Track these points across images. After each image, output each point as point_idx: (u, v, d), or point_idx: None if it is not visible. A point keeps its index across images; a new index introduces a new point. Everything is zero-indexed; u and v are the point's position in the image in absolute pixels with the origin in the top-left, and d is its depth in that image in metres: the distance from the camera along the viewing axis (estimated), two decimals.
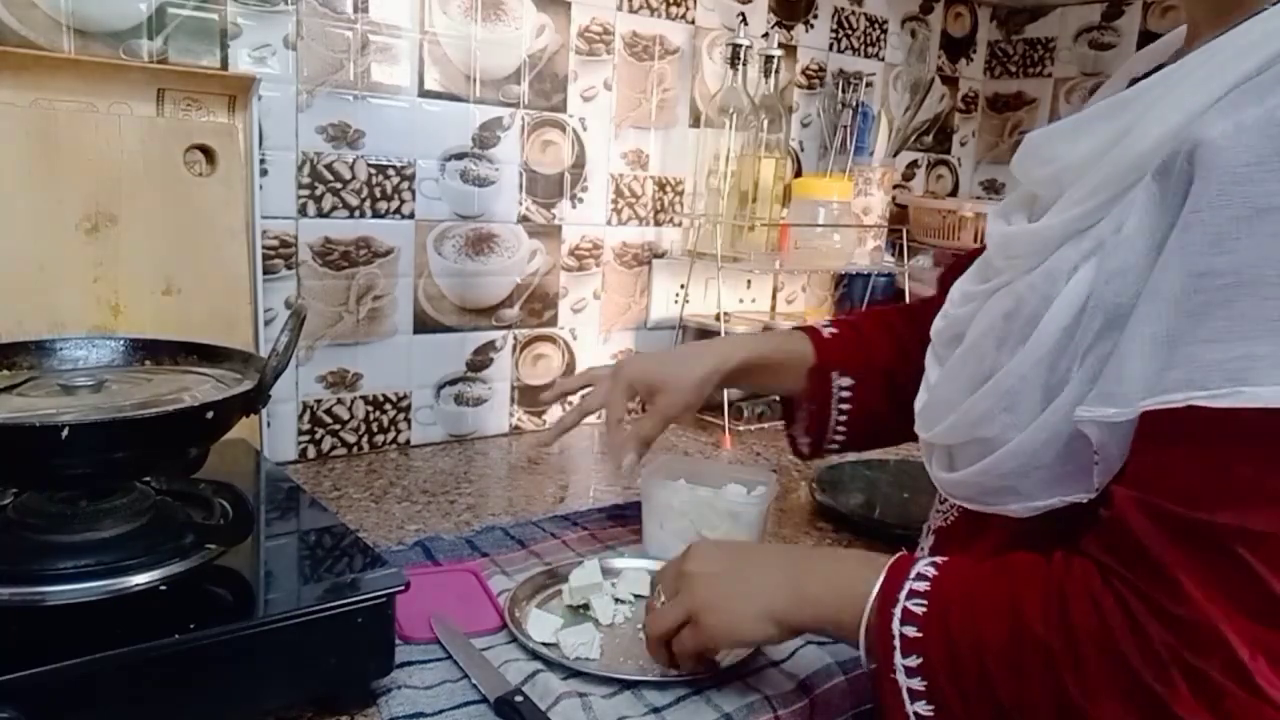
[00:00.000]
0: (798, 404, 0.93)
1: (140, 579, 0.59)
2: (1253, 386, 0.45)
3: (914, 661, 0.53)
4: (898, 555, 0.59)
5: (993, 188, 1.86)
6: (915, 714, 0.53)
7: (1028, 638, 0.51)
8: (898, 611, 0.55)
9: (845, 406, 0.90)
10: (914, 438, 0.73)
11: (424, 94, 1.16)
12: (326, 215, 1.11)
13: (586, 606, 0.79)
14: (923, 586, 0.56)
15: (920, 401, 0.71)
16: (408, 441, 1.23)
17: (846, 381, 0.89)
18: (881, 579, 0.57)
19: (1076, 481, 0.55)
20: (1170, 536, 0.47)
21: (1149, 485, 0.49)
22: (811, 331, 0.92)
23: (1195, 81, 0.52)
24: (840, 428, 0.90)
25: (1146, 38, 1.61)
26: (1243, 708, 0.45)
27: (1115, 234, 0.53)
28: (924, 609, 0.54)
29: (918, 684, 0.53)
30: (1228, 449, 0.46)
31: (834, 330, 0.92)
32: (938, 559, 0.58)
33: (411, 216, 1.17)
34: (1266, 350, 0.45)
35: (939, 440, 0.66)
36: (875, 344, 0.91)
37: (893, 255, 1.58)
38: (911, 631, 0.54)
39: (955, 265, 0.78)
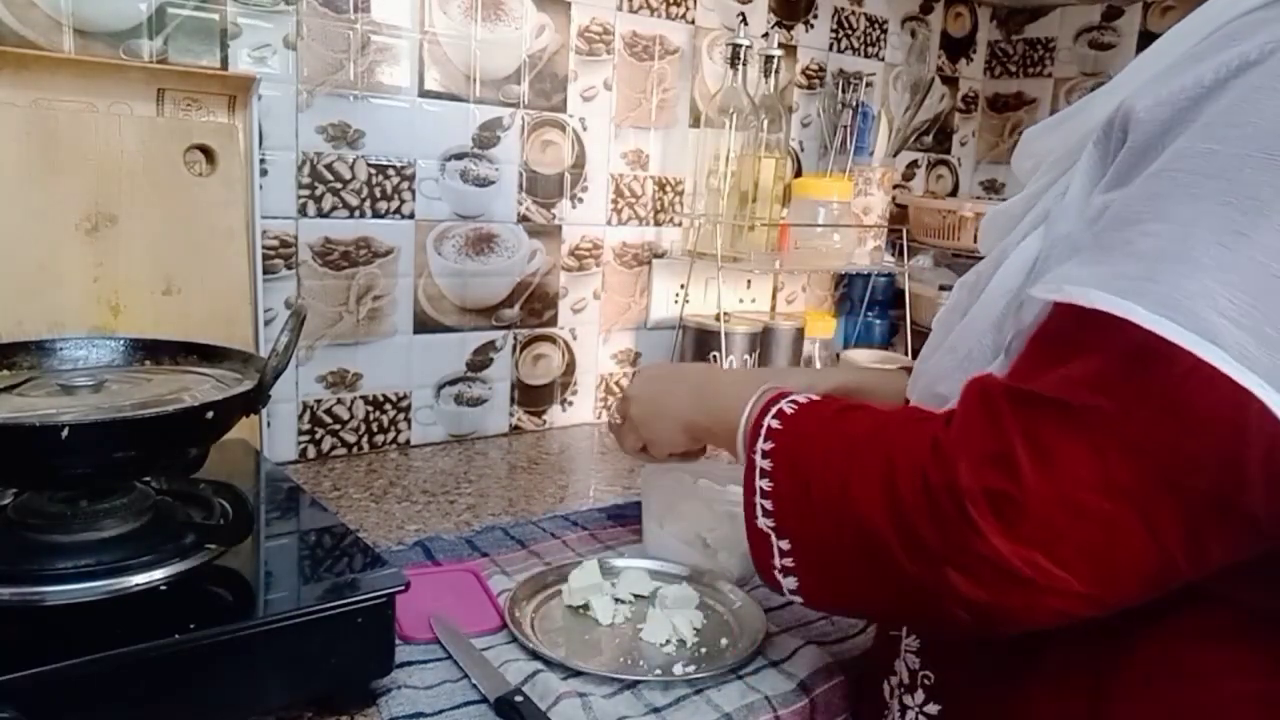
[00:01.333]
0: None
1: (140, 579, 0.59)
2: (1078, 286, 0.49)
3: (768, 445, 0.62)
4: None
5: (993, 188, 1.86)
6: (760, 488, 0.61)
7: (846, 435, 0.58)
8: (773, 409, 0.64)
9: None
10: None
11: (424, 94, 1.16)
12: (326, 215, 1.11)
13: (586, 606, 0.79)
14: (803, 400, 0.64)
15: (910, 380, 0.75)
16: (408, 441, 1.23)
17: None
18: (771, 390, 0.67)
19: None
20: (977, 392, 0.53)
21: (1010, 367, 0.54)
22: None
23: (1145, 61, 0.56)
24: None
25: (1146, 38, 1.61)
26: (957, 530, 0.50)
27: (1060, 199, 0.57)
28: (794, 409, 0.63)
29: (766, 464, 0.61)
30: (1058, 335, 0.51)
31: None
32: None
33: (411, 216, 1.17)
34: (1125, 270, 0.48)
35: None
36: None
37: (893, 255, 1.57)
38: (775, 424, 0.63)
39: None
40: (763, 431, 0.63)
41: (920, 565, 0.52)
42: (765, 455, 0.61)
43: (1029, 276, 0.57)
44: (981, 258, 0.68)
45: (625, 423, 0.84)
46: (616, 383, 1.42)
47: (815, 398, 0.65)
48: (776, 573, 0.61)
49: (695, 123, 1.41)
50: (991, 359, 0.58)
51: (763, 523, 0.61)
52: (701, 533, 0.89)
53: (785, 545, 0.59)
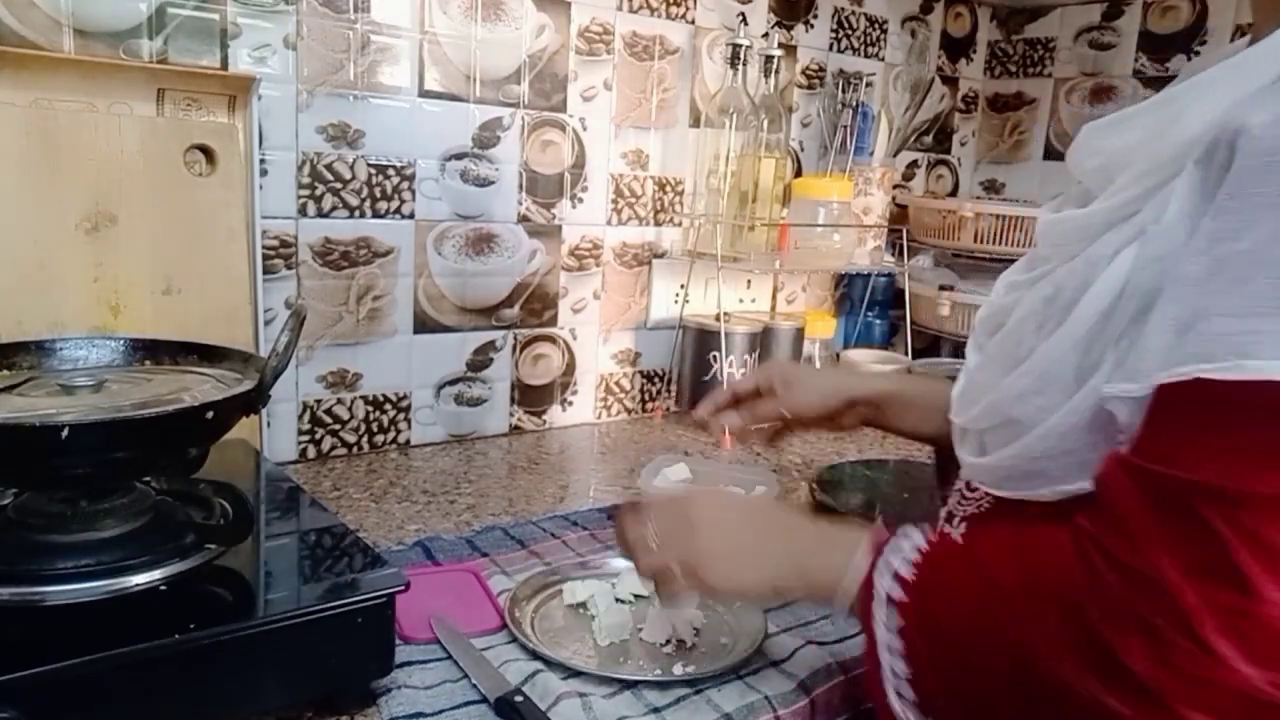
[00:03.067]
0: (941, 453, 0.89)
1: (140, 579, 0.60)
2: (1254, 360, 0.45)
3: (898, 623, 0.55)
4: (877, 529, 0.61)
5: (993, 188, 1.86)
6: (892, 671, 0.55)
7: (994, 589, 0.52)
8: (885, 567, 0.57)
9: None
10: None
11: (424, 94, 1.16)
12: (326, 215, 1.11)
13: (586, 606, 0.79)
14: (913, 556, 0.58)
15: (957, 387, 0.71)
16: (408, 441, 1.23)
17: None
18: (869, 544, 0.60)
19: None
20: (1139, 491, 0.48)
21: (1139, 448, 0.50)
22: None
23: (1243, 73, 0.53)
24: None
25: (1146, 38, 1.61)
26: (1193, 662, 0.45)
27: (1156, 222, 0.54)
28: (913, 571, 0.56)
29: (897, 642, 0.55)
30: (1224, 417, 0.47)
31: None
32: (931, 536, 0.59)
33: (411, 216, 1.17)
34: (1272, 327, 0.45)
35: (972, 425, 0.67)
36: None
37: (893, 255, 1.58)
38: (899, 594, 0.56)
39: None
40: (882, 601, 0.56)
41: (1142, 712, 0.46)
42: (896, 633, 0.55)
43: (1119, 299, 0.54)
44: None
45: (676, 550, 0.66)
46: (616, 383, 1.42)
47: (925, 546, 0.58)
48: None
49: (695, 123, 1.41)
50: (1074, 384, 0.56)
51: (899, 707, 0.55)
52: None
53: None
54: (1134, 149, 0.58)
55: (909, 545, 0.58)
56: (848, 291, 1.70)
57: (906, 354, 1.56)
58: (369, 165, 1.13)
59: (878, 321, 1.72)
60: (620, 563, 0.87)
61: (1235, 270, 0.47)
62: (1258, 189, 0.47)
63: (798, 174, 1.55)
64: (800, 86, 1.55)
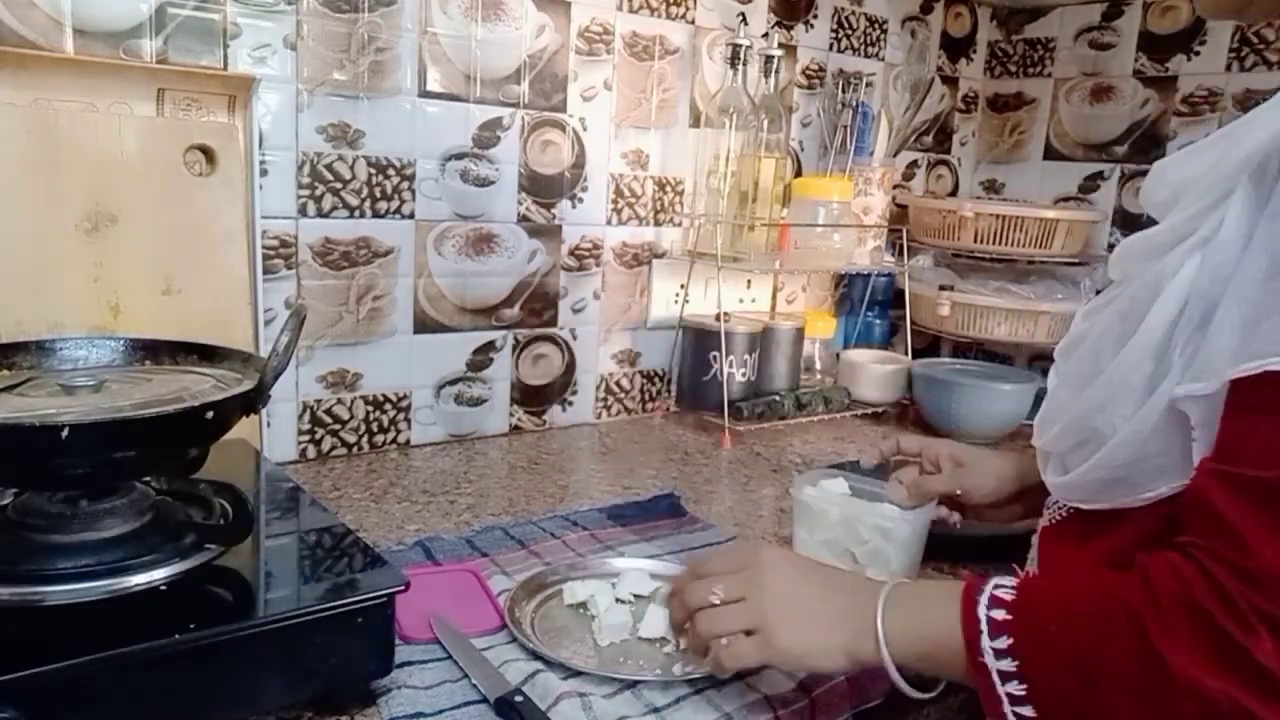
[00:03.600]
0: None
1: (140, 579, 0.60)
2: None
3: (1003, 643, 0.55)
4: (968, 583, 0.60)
5: (993, 188, 1.86)
6: (1009, 695, 0.55)
7: (1117, 607, 0.53)
8: (983, 599, 0.57)
9: None
10: None
11: (424, 94, 1.16)
12: (326, 215, 1.11)
13: (586, 606, 0.79)
14: (1010, 581, 0.58)
15: (1040, 414, 0.73)
16: (408, 441, 1.23)
17: None
18: (966, 584, 0.59)
19: (1184, 468, 0.57)
20: (1241, 497, 0.50)
21: (1227, 454, 0.53)
22: None
23: None
24: None
25: (1146, 38, 1.61)
26: None
27: (1215, 234, 0.57)
28: (1012, 596, 0.57)
29: (1008, 665, 0.55)
30: None
31: None
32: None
33: (411, 216, 1.17)
34: None
35: (1053, 446, 0.68)
36: None
37: (893, 255, 1.58)
38: (1000, 615, 0.56)
39: None
40: (983, 625, 0.56)
41: (1272, 706, 0.48)
42: (1001, 655, 0.55)
43: (1184, 307, 0.57)
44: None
45: (744, 616, 0.64)
46: (616, 383, 1.42)
47: (1019, 578, 0.59)
48: None
49: (695, 123, 1.41)
50: (1147, 391, 0.58)
51: None
52: (851, 547, 0.87)
53: None
54: (1199, 177, 0.60)
55: (1002, 580, 0.59)
56: (848, 291, 1.70)
57: (906, 354, 1.56)
58: (369, 165, 1.13)
59: (878, 321, 1.72)
60: (620, 562, 0.88)
61: None
62: None
63: (798, 174, 1.55)
64: (800, 86, 1.55)
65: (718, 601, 0.65)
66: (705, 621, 0.65)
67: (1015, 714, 0.55)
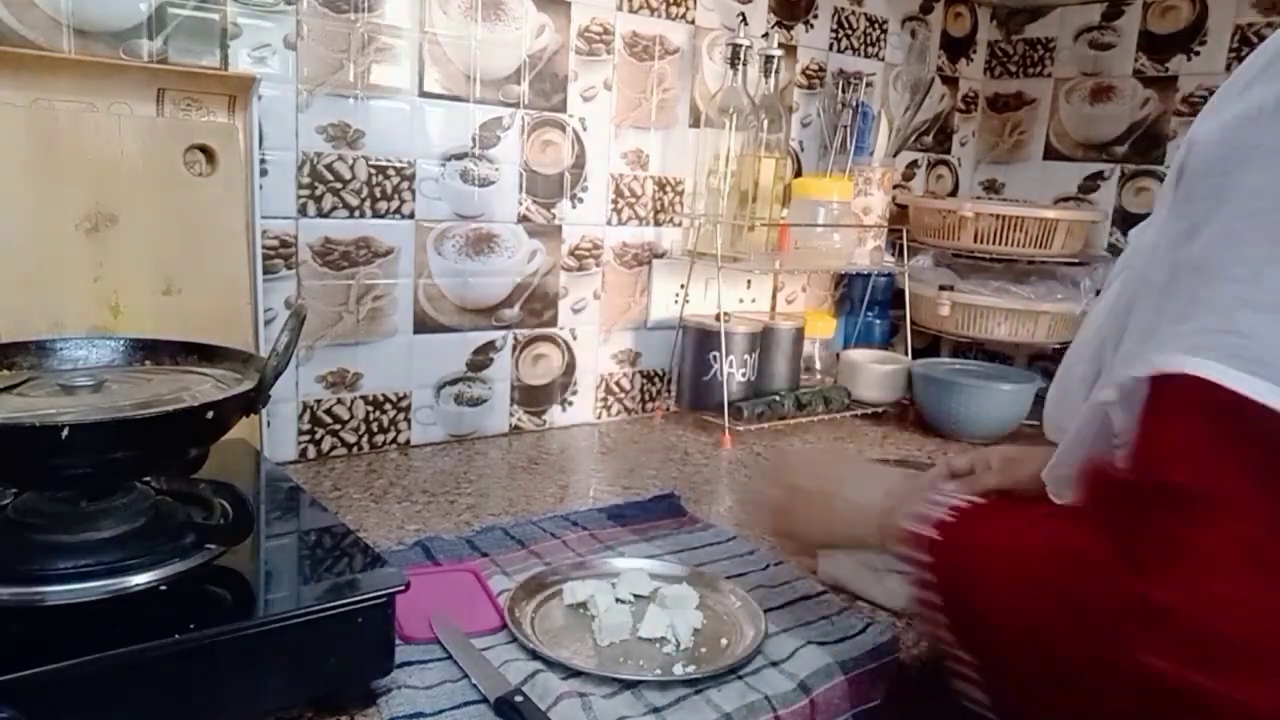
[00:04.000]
0: None
1: (140, 579, 0.59)
2: (1163, 354, 0.48)
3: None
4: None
5: (993, 188, 1.86)
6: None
7: (1021, 553, 0.55)
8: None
9: None
10: None
11: (424, 94, 1.16)
12: (326, 215, 1.11)
13: (586, 606, 0.79)
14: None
15: None
16: (408, 441, 1.23)
17: None
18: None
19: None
20: (1101, 491, 0.53)
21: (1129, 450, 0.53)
22: None
23: (1214, 98, 0.55)
24: None
25: (1146, 38, 1.61)
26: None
27: (1140, 236, 0.58)
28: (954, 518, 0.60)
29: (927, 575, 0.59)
30: (1161, 416, 0.50)
31: None
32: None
33: (411, 216, 1.17)
34: (1188, 326, 0.47)
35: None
36: None
37: (893, 255, 1.58)
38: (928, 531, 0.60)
39: None
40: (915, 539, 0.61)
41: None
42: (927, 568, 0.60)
43: (1111, 312, 0.58)
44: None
45: (779, 504, 0.79)
46: (616, 383, 1.42)
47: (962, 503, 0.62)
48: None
49: (695, 123, 1.41)
50: (1084, 393, 0.59)
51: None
52: (873, 556, 0.86)
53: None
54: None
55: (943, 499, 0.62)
56: (848, 291, 1.70)
57: (906, 354, 1.56)
58: (369, 165, 1.13)
59: (878, 321, 1.72)
60: (620, 562, 0.88)
61: (1185, 276, 0.50)
62: (1199, 194, 0.50)
63: (798, 174, 1.55)
64: (800, 86, 1.55)
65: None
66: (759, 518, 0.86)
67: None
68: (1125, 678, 0.47)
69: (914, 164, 1.78)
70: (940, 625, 0.59)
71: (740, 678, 0.70)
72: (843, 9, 1.57)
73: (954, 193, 1.87)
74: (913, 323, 1.58)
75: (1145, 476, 0.49)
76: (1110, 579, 0.48)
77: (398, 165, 1.15)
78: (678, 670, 0.71)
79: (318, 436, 1.16)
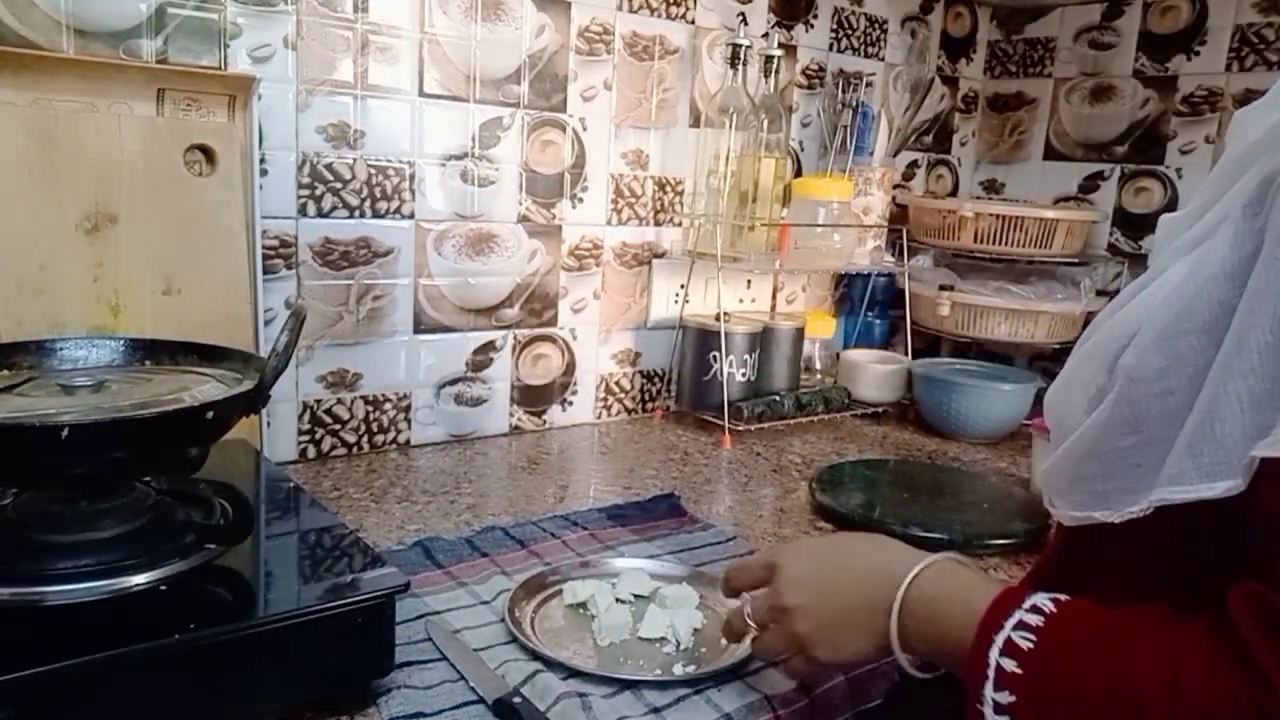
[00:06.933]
0: None
1: (140, 579, 0.60)
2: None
3: (1005, 698, 0.50)
4: (1005, 586, 0.56)
5: (993, 188, 1.86)
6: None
7: (1128, 695, 0.47)
8: (1000, 639, 0.52)
9: None
10: None
11: (424, 94, 1.15)
12: (326, 215, 1.11)
13: (586, 606, 0.79)
14: (1035, 620, 0.52)
15: None
16: (408, 441, 1.23)
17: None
18: (985, 609, 0.54)
19: (1149, 489, 0.51)
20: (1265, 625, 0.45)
21: (1260, 567, 0.46)
22: None
23: None
24: None
25: (1146, 38, 1.61)
26: None
27: (1210, 234, 0.51)
28: (1031, 645, 0.51)
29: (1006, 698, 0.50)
30: None
31: None
32: (1060, 596, 0.54)
33: (411, 216, 1.17)
34: None
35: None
36: None
37: (893, 255, 1.58)
38: (1011, 666, 0.50)
39: None
40: (990, 670, 0.51)
41: None
42: (1001, 710, 0.50)
43: (1175, 314, 0.50)
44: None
45: (783, 639, 0.66)
46: (616, 383, 1.42)
47: (1050, 609, 0.52)
48: None
49: (695, 123, 1.41)
50: (1085, 413, 0.54)
51: None
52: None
53: None
54: (1235, 153, 0.54)
55: (1029, 605, 0.53)
56: (848, 291, 1.70)
57: (906, 354, 1.56)
58: (369, 165, 1.13)
59: (878, 321, 1.72)
60: (620, 562, 0.88)
61: None
62: None
63: (798, 174, 1.55)
64: (800, 86, 1.55)
65: (755, 630, 0.69)
66: (757, 648, 0.69)
67: None
68: None
69: (914, 164, 1.78)
70: None
71: (740, 678, 0.70)
72: (843, 9, 1.57)
73: (954, 193, 1.87)
74: (913, 323, 1.58)
75: None
76: None
77: (398, 165, 1.15)
78: (678, 670, 0.71)
79: (318, 436, 1.16)
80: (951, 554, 0.62)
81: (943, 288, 1.56)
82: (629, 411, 1.44)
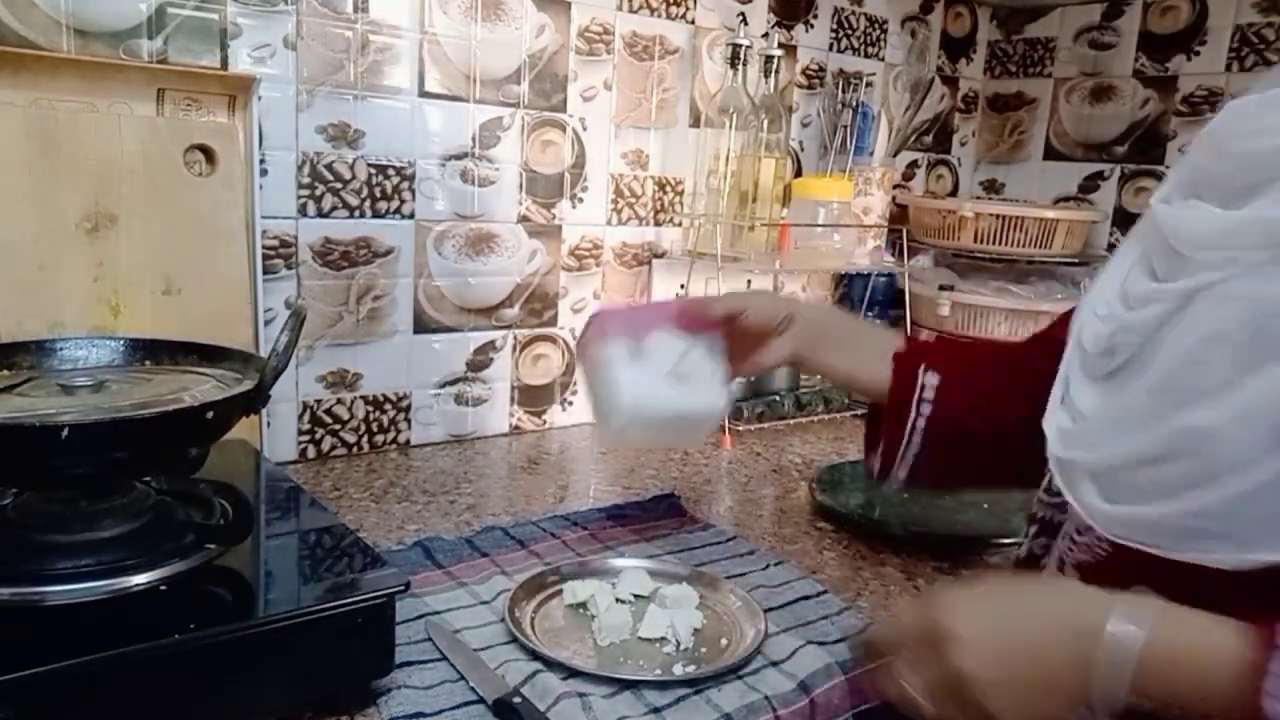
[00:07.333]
0: (879, 411, 0.82)
1: (140, 579, 0.60)
2: None
3: None
4: (1248, 625, 0.49)
5: (993, 188, 1.86)
6: None
7: None
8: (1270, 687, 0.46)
9: (927, 409, 0.78)
10: (1004, 479, 0.69)
11: (424, 94, 1.15)
12: (326, 215, 1.11)
13: (586, 606, 0.79)
14: None
15: (1063, 420, 0.62)
16: (408, 441, 1.23)
17: (934, 379, 0.77)
18: (1249, 651, 0.48)
19: None
20: None
21: None
22: (909, 337, 0.84)
23: None
24: (917, 437, 0.78)
25: (1146, 38, 1.61)
26: None
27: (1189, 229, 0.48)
28: None
29: None
30: None
31: (932, 336, 0.85)
32: None
33: (411, 216, 1.17)
34: None
35: (1108, 460, 0.57)
36: (978, 357, 0.83)
37: (893, 255, 1.57)
38: None
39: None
40: None
41: None
42: None
43: (1252, 338, 0.47)
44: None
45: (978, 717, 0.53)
46: None
47: None
48: None
49: (695, 123, 1.41)
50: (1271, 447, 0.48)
51: None
52: (675, 360, 0.84)
53: None
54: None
55: None
56: (848, 291, 1.70)
57: None
58: (369, 165, 1.13)
59: (878, 321, 1.71)
60: (620, 562, 0.88)
61: None
62: None
63: (798, 174, 1.55)
64: (800, 86, 1.55)
65: (920, 700, 0.56)
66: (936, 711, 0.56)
67: None
68: None
69: (914, 164, 1.78)
70: None
71: (740, 678, 0.70)
72: (843, 9, 1.57)
73: (954, 193, 1.87)
74: (913, 323, 1.58)
75: None
76: None
77: (398, 165, 1.15)
78: (678, 670, 0.71)
79: (318, 436, 1.16)
80: (1132, 593, 0.53)
81: (943, 288, 1.56)
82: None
